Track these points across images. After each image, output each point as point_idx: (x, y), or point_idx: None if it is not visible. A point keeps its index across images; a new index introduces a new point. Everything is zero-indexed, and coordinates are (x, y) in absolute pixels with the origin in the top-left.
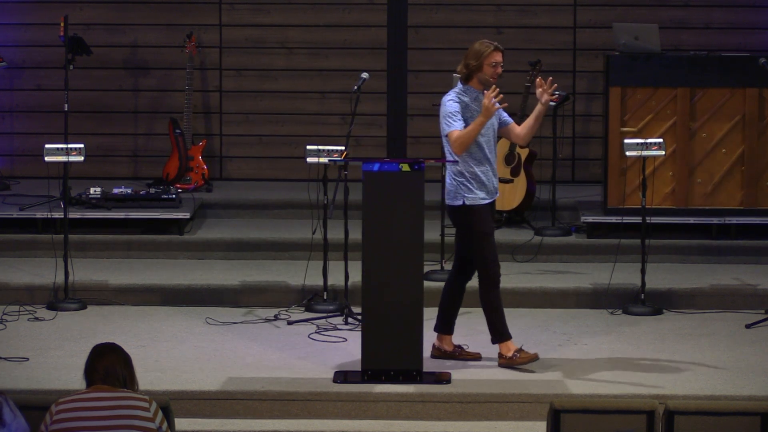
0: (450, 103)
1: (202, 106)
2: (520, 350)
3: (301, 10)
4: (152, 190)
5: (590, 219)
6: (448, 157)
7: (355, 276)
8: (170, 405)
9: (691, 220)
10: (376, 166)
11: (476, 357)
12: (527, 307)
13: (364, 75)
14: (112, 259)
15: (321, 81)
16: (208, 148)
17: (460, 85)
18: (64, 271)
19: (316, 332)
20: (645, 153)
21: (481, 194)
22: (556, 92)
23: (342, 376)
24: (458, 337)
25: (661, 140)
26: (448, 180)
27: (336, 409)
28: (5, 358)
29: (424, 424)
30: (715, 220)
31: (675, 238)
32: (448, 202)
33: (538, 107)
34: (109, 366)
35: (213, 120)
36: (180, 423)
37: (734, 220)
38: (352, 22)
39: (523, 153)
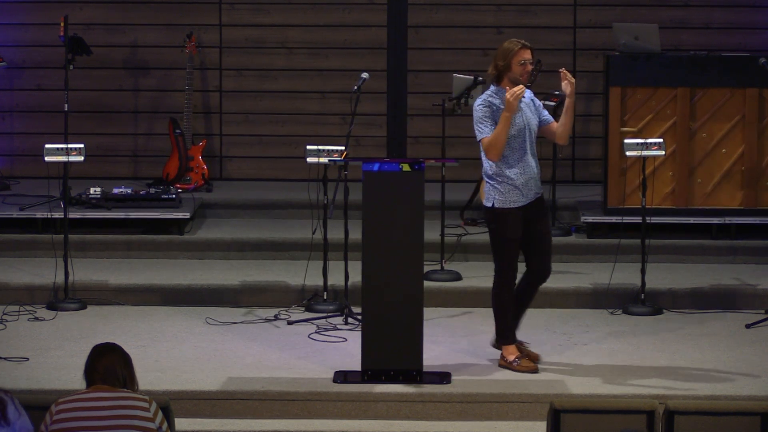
0: (479, 108)
1: (202, 106)
2: (523, 357)
3: (301, 10)
4: (152, 190)
5: (590, 219)
6: (486, 165)
7: (355, 276)
8: (170, 405)
9: (691, 220)
10: (376, 166)
11: (536, 357)
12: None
13: (364, 75)
14: (112, 259)
15: (321, 81)
16: (208, 148)
17: (492, 87)
18: (64, 271)
19: (316, 332)
20: (645, 153)
21: (513, 197)
22: (556, 92)
23: (342, 376)
24: (458, 337)
25: (661, 140)
26: (485, 179)
27: (336, 409)
28: (5, 358)
29: (424, 424)
30: (715, 220)
31: (675, 238)
32: (484, 202)
33: (567, 101)
34: (109, 366)
35: (213, 120)
36: (180, 423)
37: (734, 220)
38: (352, 22)
39: None
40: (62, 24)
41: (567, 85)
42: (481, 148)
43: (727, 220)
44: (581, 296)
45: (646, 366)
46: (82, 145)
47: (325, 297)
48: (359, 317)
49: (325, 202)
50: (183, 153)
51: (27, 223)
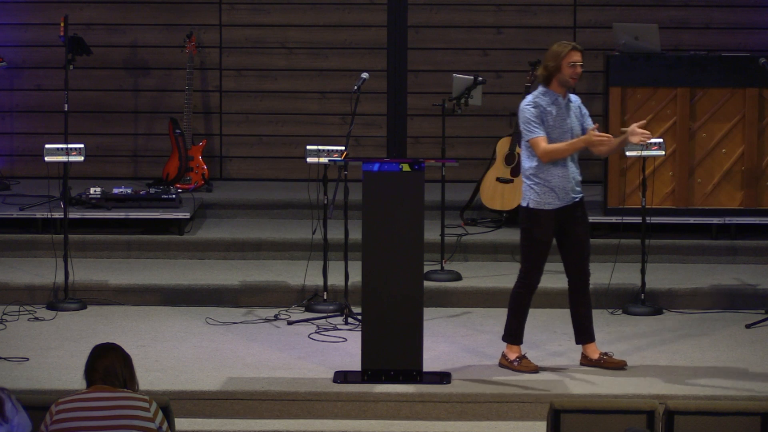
0: (527, 108)
1: (202, 106)
2: (523, 358)
3: (301, 10)
4: (152, 190)
5: (590, 219)
6: (526, 162)
7: (355, 276)
8: (170, 405)
9: (691, 220)
10: (376, 166)
11: (621, 365)
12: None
13: (364, 75)
14: (112, 259)
15: (321, 81)
16: (208, 148)
17: (540, 88)
18: (64, 271)
19: (316, 332)
20: (645, 153)
21: (549, 199)
22: None
23: (342, 376)
24: (458, 337)
25: (661, 140)
26: (523, 179)
27: (336, 409)
28: (5, 358)
29: (424, 424)
30: (715, 220)
31: (675, 238)
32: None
33: (626, 137)
34: (109, 366)
35: (213, 120)
36: (180, 423)
37: (734, 220)
38: (352, 22)
39: None
40: (62, 24)
41: (636, 135)
42: (525, 147)
43: (727, 220)
44: None
45: (646, 366)
46: (82, 145)
47: (325, 297)
48: (359, 317)
49: (325, 202)
50: (183, 153)
51: (27, 223)
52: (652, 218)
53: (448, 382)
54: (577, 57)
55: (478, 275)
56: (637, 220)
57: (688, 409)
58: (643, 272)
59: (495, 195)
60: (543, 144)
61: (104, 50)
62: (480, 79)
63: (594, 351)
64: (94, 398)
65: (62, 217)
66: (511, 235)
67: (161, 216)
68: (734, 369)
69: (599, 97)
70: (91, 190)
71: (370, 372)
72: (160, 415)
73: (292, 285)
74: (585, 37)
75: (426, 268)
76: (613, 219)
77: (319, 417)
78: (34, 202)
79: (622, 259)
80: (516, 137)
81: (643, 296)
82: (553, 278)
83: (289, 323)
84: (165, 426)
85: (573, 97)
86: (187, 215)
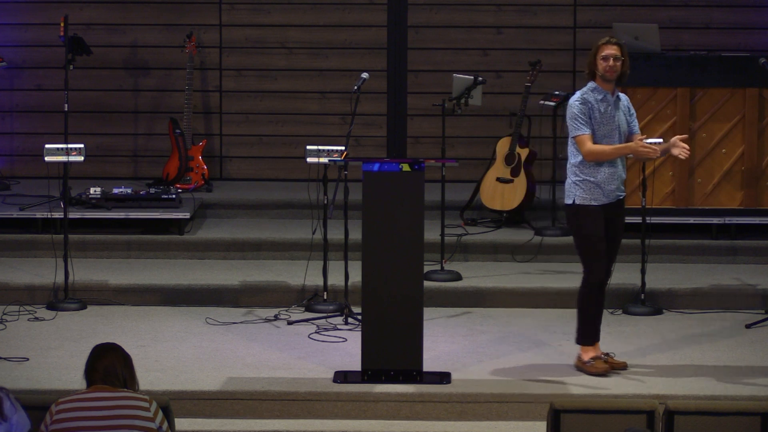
0: (575, 104)
1: (202, 106)
2: (598, 358)
3: (301, 10)
4: (152, 190)
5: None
6: (571, 158)
7: (355, 276)
8: (170, 405)
9: (691, 220)
10: (376, 166)
11: (622, 366)
12: (527, 307)
13: (364, 75)
14: (112, 259)
15: (321, 81)
16: (208, 148)
17: (589, 84)
18: (64, 271)
19: (316, 332)
20: None
21: (595, 195)
22: (556, 92)
23: (342, 376)
24: (458, 337)
25: (661, 140)
26: (567, 176)
27: (336, 409)
28: (5, 358)
29: (424, 424)
30: (715, 220)
31: (675, 238)
32: (565, 200)
33: (668, 146)
34: (109, 366)
35: (213, 120)
36: (180, 423)
37: (734, 220)
38: (352, 22)
39: (524, 153)
40: (62, 24)
41: (676, 148)
42: (571, 142)
43: (727, 220)
44: None
45: (646, 366)
46: (82, 145)
47: (325, 297)
48: (359, 317)
49: (325, 202)
50: (183, 153)
51: (27, 223)
52: (652, 218)
53: (448, 382)
54: (609, 50)
55: (478, 275)
56: (637, 220)
57: (688, 409)
58: (643, 272)
59: (495, 195)
60: (588, 143)
61: (104, 50)
62: (480, 79)
63: (597, 350)
64: (94, 398)
65: (62, 217)
66: (511, 235)
67: (161, 216)
68: (734, 369)
69: None
70: (91, 190)
71: (370, 372)
72: (160, 415)
73: (292, 285)
74: (585, 37)
75: (426, 268)
76: None
77: (319, 417)
78: (34, 202)
79: (622, 259)
80: (516, 137)
81: (643, 296)
82: (553, 278)
83: (289, 323)
84: (165, 426)
85: (622, 95)
86: (187, 215)
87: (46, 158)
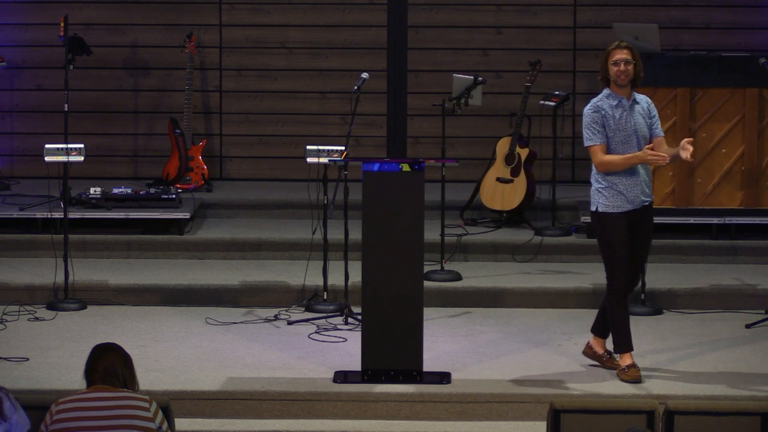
0: (588, 113)
1: (202, 106)
2: (632, 366)
3: (301, 10)
4: (152, 190)
5: (590, 219)
6: (594, 169)
7: (355, 276)
8: (170, 405)
9: (691, 220)
10: (376, 166)
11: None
12: (527, 307)
13: (364, 75)
14: (112, 259)
15: (321, 81)
16: (208, 148)
17: (605, 90)
18: (64, 271)
19: (316, 332)
20: None
21: (617, 202)
22: (556, 92)
23: (342, 376)
24: (457, 337)
25: None
26: (591, 183)
27: (336, 409)
28: (5, 358)
29: (424, 424)
30: (715, 220)
31: (675, 238)
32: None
33: (677, 151)
34: (109, 366)
35: (213, 120)
36: (180, 423)
37: (734, 220)
38: (352, 22)
39: (523, 153)
40: (62, 24)
41: (686, 153)
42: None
43: (727, 220)
44: (581, 296)
45: (646, 366)
46: (82, 145)
47: (325, 297)
48: (359, 317)
49: (325, 202)
50: (183, 153)
51: (27, 223)
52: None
53: (448, 382)
54: (619, 55)
55: (478, 275)
56: None
57: (688, 409)
58: (643, 272)
59: (495, 195)
60: (600, 154)
61: (104, 50)
62: (480, 79)
63: (601, 347)
64: (94, 398)
65: (62, 217)
66: (511, 235)
67: (161, 216)
68: (734, 369)
69: None
70: (91, 190)
71: (370, 372)
72: (160, 415)
73: (292, 285)
74: (585, 37)
75: (426, 268)
76: None
77: (319, 417)
78: (34, 202)
79: None
80: (516, 137)
81: (643, 296)
82: (553, 278)
83: (289, 323)
84: (165, 426)
85: (640, 97)
86: (187, 215)
87: (46, 158)
